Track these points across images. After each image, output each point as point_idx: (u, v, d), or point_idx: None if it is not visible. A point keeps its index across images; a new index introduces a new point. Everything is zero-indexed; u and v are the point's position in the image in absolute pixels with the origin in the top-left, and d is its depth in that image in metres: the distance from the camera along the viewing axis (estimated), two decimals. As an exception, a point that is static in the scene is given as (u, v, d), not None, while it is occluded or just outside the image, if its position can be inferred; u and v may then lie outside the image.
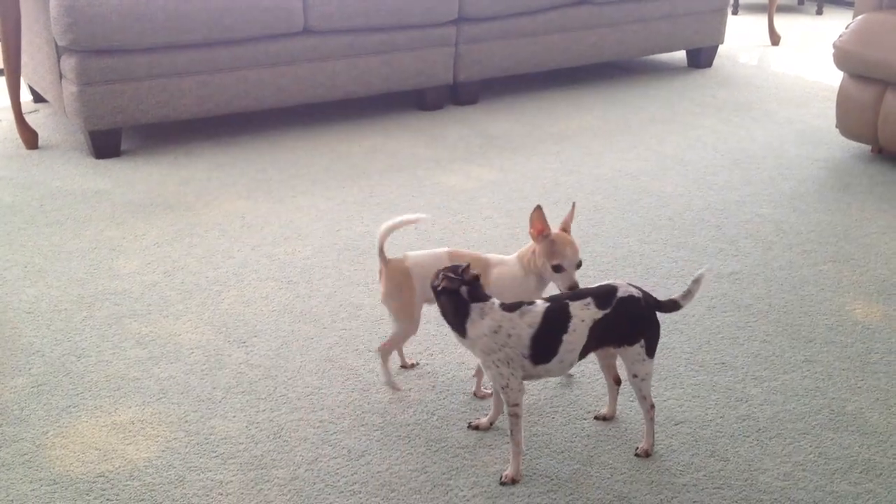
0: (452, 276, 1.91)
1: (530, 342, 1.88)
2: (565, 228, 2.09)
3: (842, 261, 2.98)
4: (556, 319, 1.89)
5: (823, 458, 2.03)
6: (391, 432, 2.10)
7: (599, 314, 1.90)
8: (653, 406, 2.02)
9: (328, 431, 2.09)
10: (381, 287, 2.19)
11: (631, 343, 1.94)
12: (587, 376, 2.31)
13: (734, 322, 2.60)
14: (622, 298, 1.92)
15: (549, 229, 2.05)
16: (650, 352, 1.95)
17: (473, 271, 1.92)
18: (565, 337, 1.89)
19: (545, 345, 1.89)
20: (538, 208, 2.04)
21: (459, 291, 1.91)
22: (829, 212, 3.38)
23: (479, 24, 4.47)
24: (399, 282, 2.14)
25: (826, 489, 1.94)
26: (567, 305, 1.91)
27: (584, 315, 1.90)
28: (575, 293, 1.95)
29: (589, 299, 1.91)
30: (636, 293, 1.94)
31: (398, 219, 2.14)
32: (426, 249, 2.24)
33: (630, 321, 1.93)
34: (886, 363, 2.41)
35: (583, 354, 1.94)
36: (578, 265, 2.05)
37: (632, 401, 2.17)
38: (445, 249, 2.19)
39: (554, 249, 2.03)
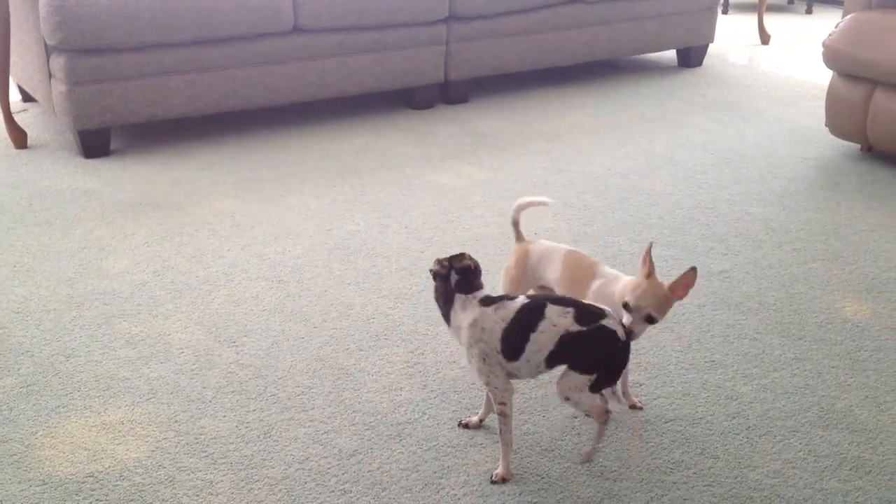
0: (445, 262, 1.92)
1: (501, 336, 1.87)
2: (673, 289, 1.95)
3: (831, 259, 2.99)
4: (527, 316, 1.86)
5: (813, 456, 2.04)
6: (382, 431, 2.09)
7: (574, 328, 1.83)
8: (607, 411, 1.91)
9: (319, 431, 2.09)
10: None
11: (583, 372, 1.85)
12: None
13: (724, 320, 2.60)
14: (603, 326, 1.83)
15: (653, 274, 1.97)
16: (595, 388, 1.85)
17: (466, 261, 1.93)
18: (533, 335, 1.85)
19: (514, 341, 1.87)
20: (649, 247, 2.01)
21: (449, 279, 1.92)
22: (819, 210, 3.39)
23: (470, 22, 4.47)
24: (516, 258, 2.23)
25: (816, 486, 1.95)
26: (544, 306, 1.86)
27: (557, 321, 1.84)
28: (563, 299, 1.91)
29: (571, 309, 1.84)
30: (620, 333, 1.84)
31: (532, 198, 2.26)
32: (554, 242, 2.29)
33: (597, 352, 1.84)
34: (875, 360, 2.42)
35: (551, 363, 1.87)
36: (648, 319, 1.92)
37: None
38: (566, 247, 2.21)
39: (634, 286, 1.97)
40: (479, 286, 1.94)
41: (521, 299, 1.90)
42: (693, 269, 1.94)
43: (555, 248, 2.21)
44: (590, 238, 3.10)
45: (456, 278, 1.92)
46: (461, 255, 1.94)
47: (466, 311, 1.91)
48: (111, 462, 1.98)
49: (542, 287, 2.22)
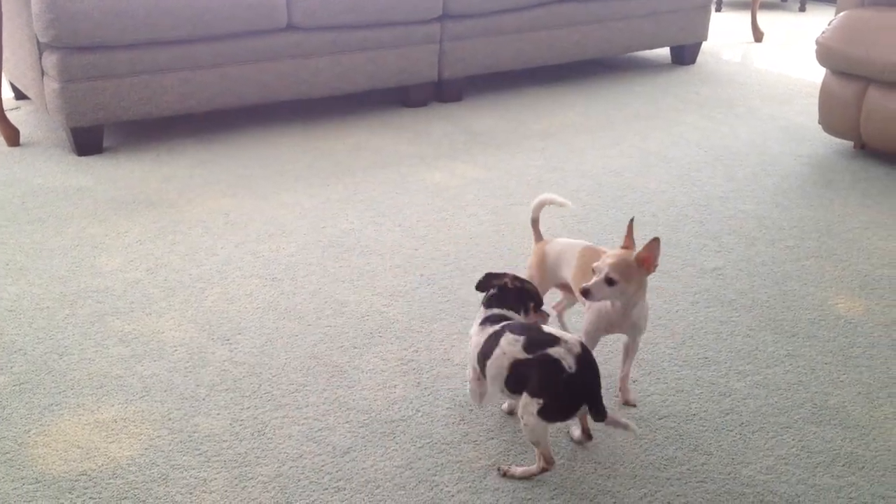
0: (491, 276, 2.06)
1: (476, 356, 1.98)
2: (638, 259, 1.97)
3: (824, 256, 3.00)
4: (490, 343, 1.94)
5: (806, 452, 2.05)
6: (376, 429, 2.09)
7: (521, 356, 1.86)
8: (546, 462, 1.90)
9: (312, 428, 2.09)
10: None
11: (532, 395, 1.84)
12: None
13: (718, 317, 2.61)
14: (546, 354, 1.83)
15: (630, 247, 2.02)
16: (542, 413, 1.83)
17: (504, 280, 2.04)
18: (489, 362, 1.93)
19: (482, 363, 1.96)
20: (631, 221, 2.05)
21: (487, 290, 2.05)
22: (812, 207, 3.40)
23: (464, 20, 4.47)
24: (536, 259, 2.29)
25: (808, 482, 1.95)
26: (502, 334, 1.91)
27: (507, 349, 1.89)
28: (525, 328, 1.93)
29: (522, 338, 1.88)
30: (567, 363, 1.81)
31: (549, 196, 2.30)
32: (568, 238, 2.35)
33: (541, 378, 1.84)
34: (868, 357, 2.43)
35: (511, 388, 1.90)
36: (607, 281, 1.94)
37: (614, 393, 2.18)
38: (583, 244, 2.24)
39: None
40: (510, 306, 2.03)
41: (498, 326, 1.96)
42: (656, 240, 1.96)
43: (571, 246, 2.24)
44: (584, 236, 3.10)
45: (492, 292, 2.06)
46: (503, 275, 2.06)
47: (475, 323, 2.04)
48: (104, 460, 1.97)
49: (563, 285, 2.25)
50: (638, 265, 1.97)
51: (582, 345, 1.86)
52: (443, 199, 3.40)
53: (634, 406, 2.18)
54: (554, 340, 1.85)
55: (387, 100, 4.58)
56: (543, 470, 1.92)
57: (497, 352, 1.90)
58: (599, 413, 1.86)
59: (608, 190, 3.52)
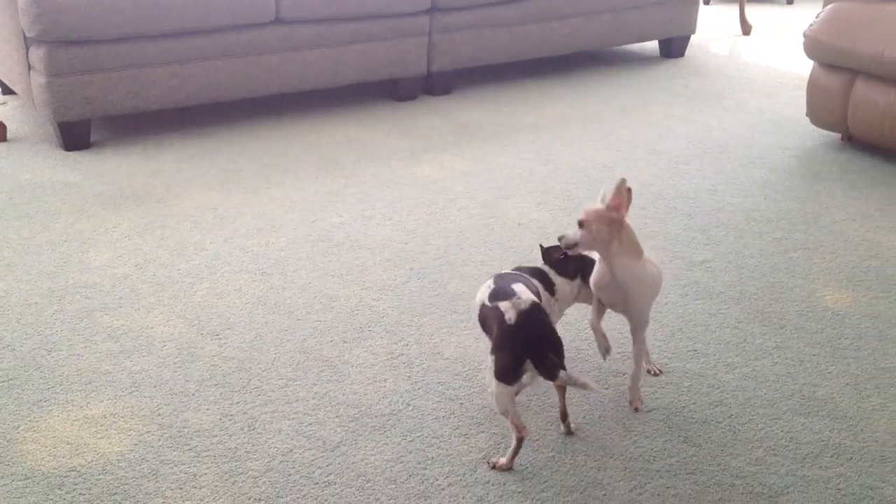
0: (551, 249, 2.15)
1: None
2: (611, 205, 2.01)
3: (812, 248, 3.01)
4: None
5: (794, 443, 2.06)
6: (366, 423, 2.09)
7: (485, 303, 1.99)
8: (518, 430, 1.90)
9: (302, 423, 2.09)
10: None
11: (491, 353, 1.91)
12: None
13: (706, 309, 2.62)
14: (496, 307, 1.93)
15: (618, 209, 2.03)
16: (496, 373, 1.87)
17: (559, 253, 2.11)
18: (472, 303, 2.09)
19: None
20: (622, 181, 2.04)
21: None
22: (800, 200, 3.41)
23: (453, 13, 4.46)
24: None
25: (797, 474, 1.96)
26: (491, 278, 2.06)
27: (483, 292, 2.03)
28: (501, 276, 2.05)
29: (493, 287, 2.00)
30: (509, 315, 1.88)
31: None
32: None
33: (491, 329, 1.95)
34: (856, 348, 2.44)
35: (481, 327, 2.04)
36: (579, 223, 2.01)
37: (606, 387, 2.19)
38: None
39: None
40: (561, 270, 2.15)
41: (498, 272, 2.11)
42: (621, 181, 1.99)
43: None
44: (573, 228, 3.09)
45: (549, 266, 2.16)
46: (554, 249, 2.13)
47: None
48: (94, 456, 1.97)
49: None
50: (608, 209, 2.01)
51: (534, 303, 1.92)
52: (432, 192, 3.40)
53: (637, 410, 2.15)
54: (510, 295, 1.94)
55: (376, 93, 4.57)
56: (520, 440, 1.92)
57: (478, 291, 2.05)
58: (546, 370, 1.85)
59: (597, 183, 3.52)
